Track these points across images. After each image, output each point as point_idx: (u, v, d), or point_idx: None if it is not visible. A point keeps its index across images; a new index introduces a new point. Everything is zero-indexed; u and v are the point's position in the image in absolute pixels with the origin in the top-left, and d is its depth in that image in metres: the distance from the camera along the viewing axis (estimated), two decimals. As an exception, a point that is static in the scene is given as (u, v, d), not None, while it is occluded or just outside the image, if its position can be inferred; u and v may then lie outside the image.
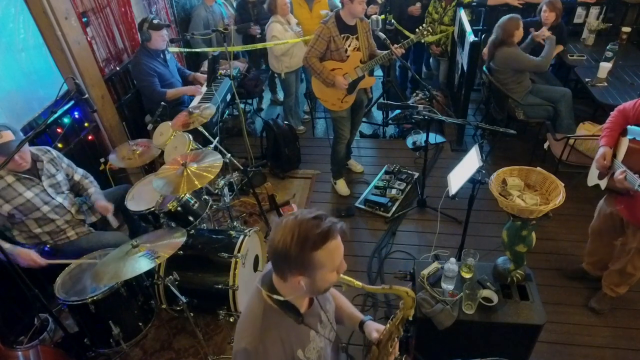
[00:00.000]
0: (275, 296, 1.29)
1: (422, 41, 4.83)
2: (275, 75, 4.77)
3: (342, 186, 3.96)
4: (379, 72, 5.55)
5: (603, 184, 2.45)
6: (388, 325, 1.49)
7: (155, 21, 3.63)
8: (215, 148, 3.01)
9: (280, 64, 4.40)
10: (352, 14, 3.20)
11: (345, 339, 1.62)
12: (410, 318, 1.45)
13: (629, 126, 2.27)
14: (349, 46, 3.33)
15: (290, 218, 1.20)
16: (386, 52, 3.30)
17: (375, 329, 1.56)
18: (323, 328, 1.45)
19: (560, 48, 4.19)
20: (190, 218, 2.77)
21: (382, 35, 3.36)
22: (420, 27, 3.27)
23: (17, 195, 2.45)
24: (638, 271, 2.55)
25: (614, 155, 2.32)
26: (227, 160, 2.97)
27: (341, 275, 1.31)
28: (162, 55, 3.82)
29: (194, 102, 3.85)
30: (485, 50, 4.17)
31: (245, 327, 1.31)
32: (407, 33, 4.56)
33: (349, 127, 3.71)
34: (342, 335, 1.65)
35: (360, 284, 1.36)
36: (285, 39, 4.26)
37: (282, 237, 1.18)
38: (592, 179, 2.56)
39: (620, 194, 2.33)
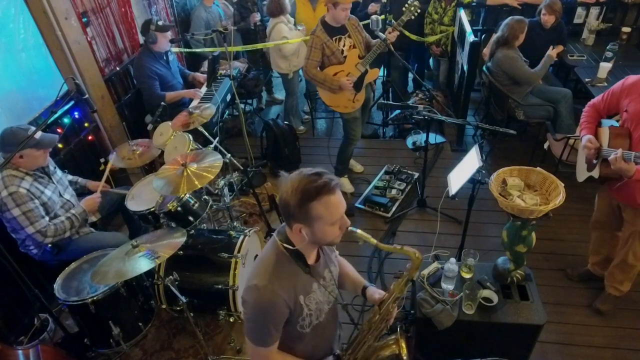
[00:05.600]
0: (286, 245, 1.42)
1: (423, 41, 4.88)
2: (278, 75, 4.77)
3: (345, 183, 3.98)
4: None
5: (596, 172, 2.48)
6: (393, 285, 1.61)
7: (160, 23, 3.64)
8: (215, 148, 3.01)
9: (288, 64, 4.40)
10: (335, 19, 3.23)
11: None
12: (414, 279, 1.58)
13: (602, 120, 2.46)
14: (343, 46, 3.34)
15: (295, 173, 1.34)
16: (381, 39, 3.28)
17: (377, 291, 1.68)
18: (326, 286, 1.56)
19: (561, 48, 4.19)
20: (190, 218, 2.77)
21: (382, 35, 3.36)
22: (407, 5, 3.25)
23: (41, 194, 2.49)
24: (639, 261, 2.55)
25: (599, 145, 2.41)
26: (227, 160, 2.97)
27: (359, 231, 1.48)
28: (164, 57, 3.82)
29: (194, 102, 3.85)
30: (485, 50, 4.16)
31: (258, 267, 1.45)
32: (407, 33, 4.56)
33: (361, 127, 3.72)
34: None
35: (374, 241, 1.50)
36: (292, 39, 4.26)
37: (285, 189, 1.32)
38: (582, 173, 2.60)
39: (614, 179, 2.37)
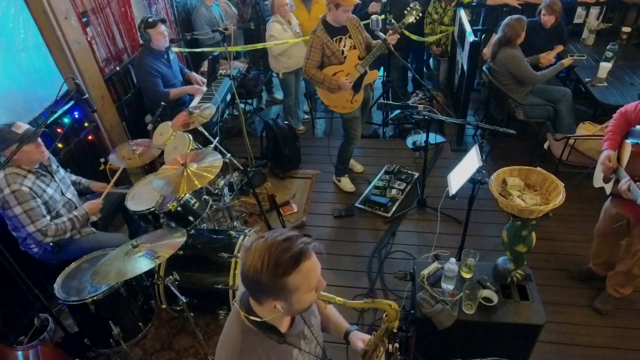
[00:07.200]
0: (252, 317, 1.23)
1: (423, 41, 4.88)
2: (275, 75, 4.77)
3: (347, 183, 3.97)
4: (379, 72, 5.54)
5: (608, 188, 2.42)
6: (372, 337, 1.48)
7: (150, 19, 3.63)
8: (215, 148, 3.01)
9: (278, 64, 4.40)
10: (336, 20, 3.23)
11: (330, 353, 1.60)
12: (395, 330, 1.41)
13: (632, 128, 2.25)
14: (344, 47, 3.33)
15: (260, 242, 1.15)
16: (381, 40, 3.28)
17: (360, 338, 1.53)
18: (308, 344, 1.40)
19: (561, 48, 4.19)
20: (190, 218, 2.77)
21: (382, 35, 3.36)
22: (409, 8, 3.25)
23: (43, 192, 2.49)
24: None
25: (618, 160, 2.30)
26: (227, 160, 2.97)
27: (321, 292, 1.27)
28: (165, 56, 3.82)
29: (194, 102, 3.84)
30: (485, 50, 4.16)
31: (224, 349, 1.27)
32: (407, 33, 4.56)
33: (360, 127, 3.72)
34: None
35: (341, 300, 1.32)
36: (284, 39, 4.26)
37: (252, 262, 1.12)
38: (598, 180, 2.52)
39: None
